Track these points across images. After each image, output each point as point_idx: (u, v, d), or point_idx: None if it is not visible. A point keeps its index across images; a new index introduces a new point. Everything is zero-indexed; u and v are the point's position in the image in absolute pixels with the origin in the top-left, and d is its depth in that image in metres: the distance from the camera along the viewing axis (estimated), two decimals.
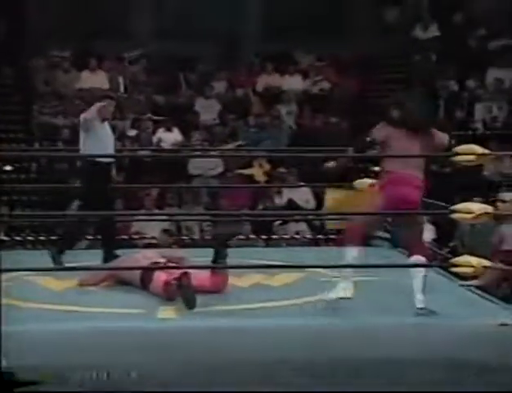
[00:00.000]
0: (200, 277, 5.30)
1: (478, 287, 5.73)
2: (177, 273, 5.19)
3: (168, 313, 4.88)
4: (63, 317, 4.81)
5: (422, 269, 5.13)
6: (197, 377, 4.25)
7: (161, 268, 5.44)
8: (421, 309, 5.07)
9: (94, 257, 6.48)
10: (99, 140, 6.37)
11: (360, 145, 5.53)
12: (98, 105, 6.42)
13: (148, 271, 5.43)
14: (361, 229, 5.33)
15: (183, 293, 5.05)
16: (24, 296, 5.18)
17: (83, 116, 6.51)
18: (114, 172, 6.78)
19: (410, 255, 5.29)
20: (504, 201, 5.43)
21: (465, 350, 4.27)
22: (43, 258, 6.32)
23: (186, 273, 5.14)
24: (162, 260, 5.66)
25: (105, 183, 6.40)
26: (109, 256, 6.36)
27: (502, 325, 4.40)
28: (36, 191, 11.14)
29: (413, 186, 5.22)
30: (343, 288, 5.12)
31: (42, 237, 9.78)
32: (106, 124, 6.55)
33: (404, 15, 14.19)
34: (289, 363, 4.26)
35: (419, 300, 5.02)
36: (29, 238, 9.95)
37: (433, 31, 13.64)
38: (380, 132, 5.36)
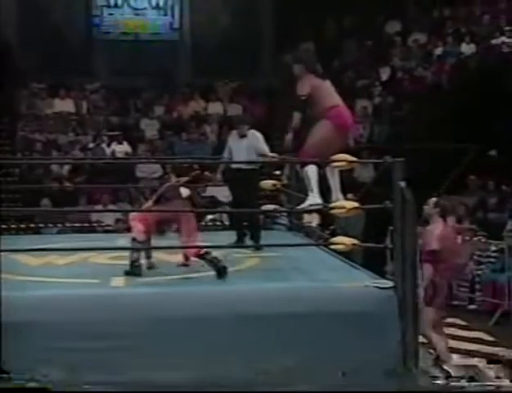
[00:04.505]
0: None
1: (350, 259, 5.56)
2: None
3: (118, 283, 4.75)
4: (36, 286, 4.65)
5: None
6: (140, 330, 4.17)
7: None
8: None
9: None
10: (233, 151, 6.37)
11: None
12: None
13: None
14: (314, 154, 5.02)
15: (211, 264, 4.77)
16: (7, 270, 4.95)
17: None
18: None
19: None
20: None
21: (338, 305, 4.30)
22: (24, 241, 6.10)
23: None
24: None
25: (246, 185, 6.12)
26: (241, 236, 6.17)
27: (366, 286, 4.47)
28: (18, 190, 10.82)
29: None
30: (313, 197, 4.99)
31: (22, 225, 9.52)
32: (242, 139, 6.50)
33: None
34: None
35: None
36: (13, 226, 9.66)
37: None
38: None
